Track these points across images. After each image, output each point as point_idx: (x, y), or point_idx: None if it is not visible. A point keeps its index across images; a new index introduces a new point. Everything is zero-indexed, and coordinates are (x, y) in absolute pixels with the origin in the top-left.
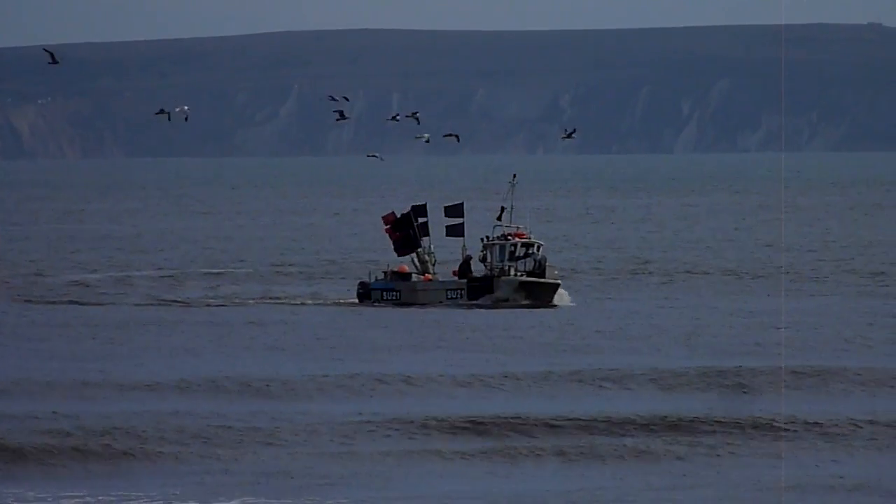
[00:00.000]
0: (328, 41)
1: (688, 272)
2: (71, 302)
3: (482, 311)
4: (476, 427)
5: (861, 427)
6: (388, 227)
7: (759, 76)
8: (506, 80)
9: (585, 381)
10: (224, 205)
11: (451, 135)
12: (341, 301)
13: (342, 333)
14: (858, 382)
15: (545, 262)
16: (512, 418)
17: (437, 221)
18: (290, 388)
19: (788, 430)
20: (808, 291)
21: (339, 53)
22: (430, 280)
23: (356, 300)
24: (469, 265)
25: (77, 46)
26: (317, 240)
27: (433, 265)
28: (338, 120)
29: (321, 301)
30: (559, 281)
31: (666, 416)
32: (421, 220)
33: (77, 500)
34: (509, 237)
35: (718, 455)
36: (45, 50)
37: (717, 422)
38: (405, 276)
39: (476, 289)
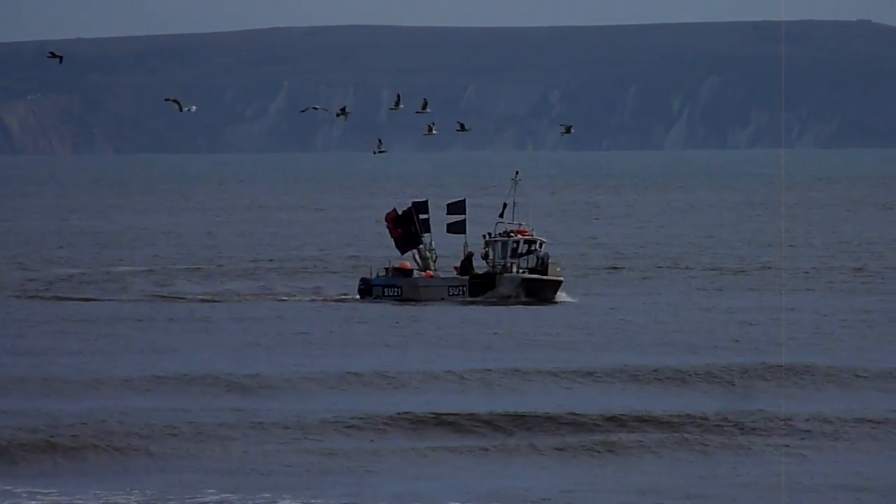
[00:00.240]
0: (318, 38)
1: (669, 268)
2: (51, 298)
3: (476, 308)
4: (450, 423)
5: (856, 426)
6: (389, 223)
7: (749, 73)
8: (496, 77)
9: (562, 376)
10: (210, 201)
11: (462, 126)
12: (344, 298)
13: (347, 330)
14: (850, 379)
15: (548, 258)
16: (510, 414)
17: (438, 219)
18: (267, 385)
19: (788, 429)
20: (790, 287)
21: (329, 50)
22: (431, 276)
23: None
24: (471, 261)
25: (67, 42)
26: (310, 235)
27: (434, 261)
28: (338, 115)
29: (322, 297)
30: (562, 278)
31: (657, 414)
32: (422, 216)
33: (50, 499)
34: (511, 234)
35: (718, 455)
36: (52, 53)
37: (713, 420)
38: (406, 273)
39: (478, 285)
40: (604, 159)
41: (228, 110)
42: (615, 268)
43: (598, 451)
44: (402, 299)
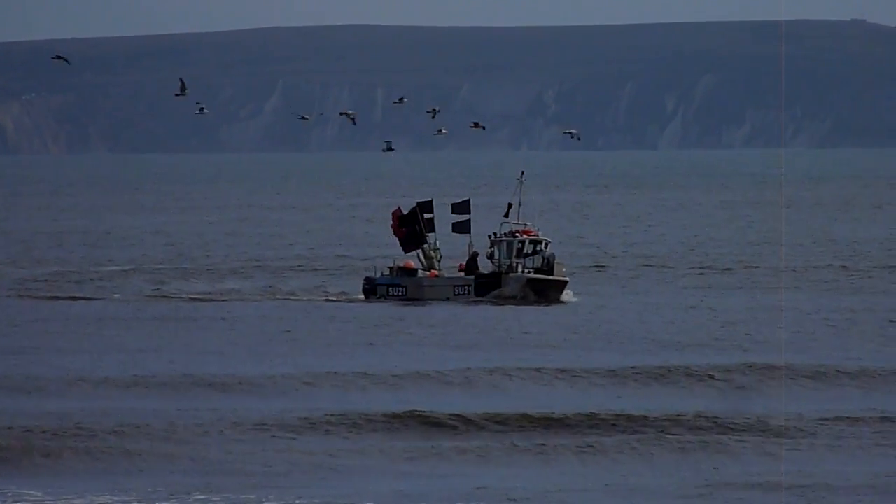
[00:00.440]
0: (313, 37)
1: (656, 267)
2: (39, 297)
3: (471, 308)
4: (433, 423)
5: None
6: (394, 223)
7: (744, 72)
8: (490, 76)
9: (544, 375)
10: (201, 200)
11: (476, 125)
12: (348, 297)
13: (352, 329)
14: (832, 377)
15: (553, 259)
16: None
17: (444, 218)
18: (248, 384)
19: (788, 428)
20: (773, 286)
21: (324, 49)
22: (436, 276)
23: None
24: (476, 261)
25: (62, 42)
26: (312, 234)
27: (439, 261)
28: (341, 114)
29: (327, 297)
30: (567, 279)
31: (640, 414)
32: (427, 215)
33: (34, 500)
34: (517, 234)
35: (700, 454)
36: (58, 56)
37: (695, 419)
38: (411, 272)
39: (483, 285)
40: (598, 158)
41: (223, 110)
42: (601, 266)
43: (581, 451)
44: (406, 299)
